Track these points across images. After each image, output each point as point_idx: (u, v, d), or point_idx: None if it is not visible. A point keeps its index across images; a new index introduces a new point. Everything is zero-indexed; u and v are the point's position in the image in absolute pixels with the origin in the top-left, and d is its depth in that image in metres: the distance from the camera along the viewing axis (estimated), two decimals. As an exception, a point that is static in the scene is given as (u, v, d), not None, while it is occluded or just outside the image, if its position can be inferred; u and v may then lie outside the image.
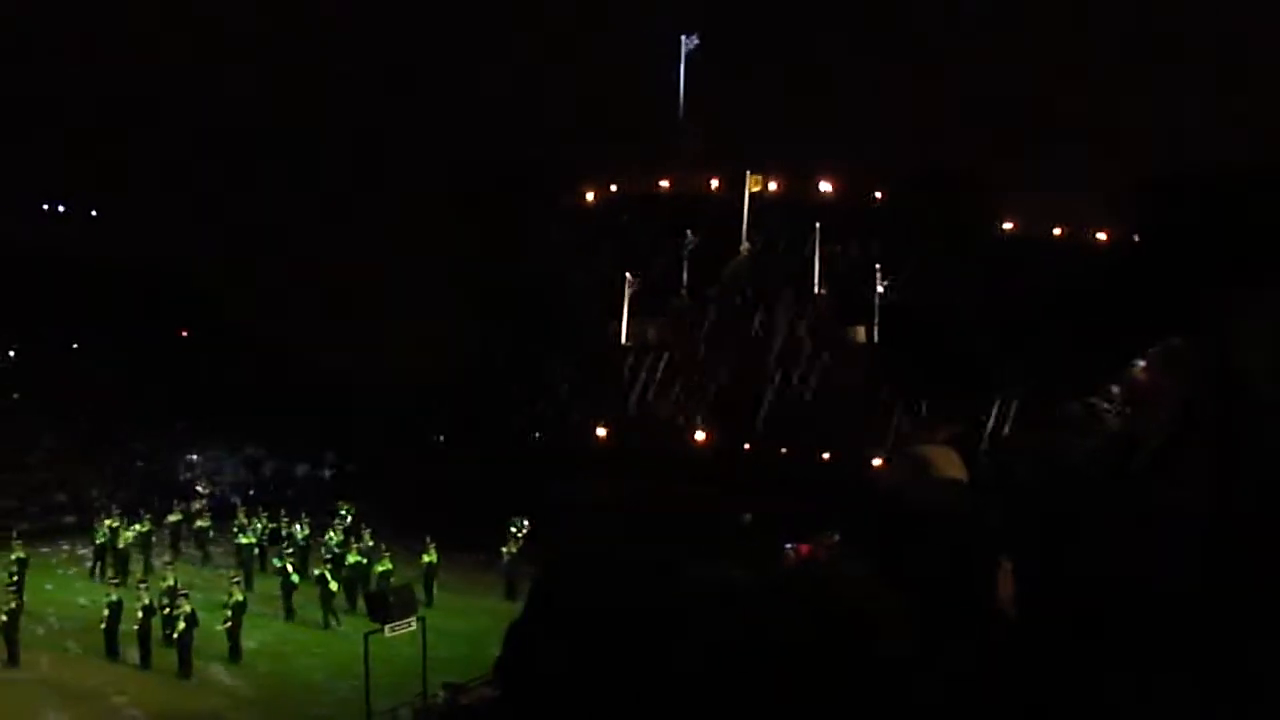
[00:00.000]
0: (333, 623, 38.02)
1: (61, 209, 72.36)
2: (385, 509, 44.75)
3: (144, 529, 44.19)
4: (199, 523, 46.16)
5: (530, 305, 61.61)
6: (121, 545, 42.85)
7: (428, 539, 41.01)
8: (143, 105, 65.48)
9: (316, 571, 39.38)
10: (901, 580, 2.94)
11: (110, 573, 40.85)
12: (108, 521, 43.99)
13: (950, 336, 50.98)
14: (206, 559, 44.55)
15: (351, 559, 40.13)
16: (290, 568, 39.58)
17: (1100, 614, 3.33)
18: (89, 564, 44.11)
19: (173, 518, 45.80)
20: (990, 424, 47.33)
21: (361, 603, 38.32)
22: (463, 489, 47.61)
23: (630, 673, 2.89)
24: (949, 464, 3.70)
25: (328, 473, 55.53)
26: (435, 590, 40.12)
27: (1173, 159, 51.61)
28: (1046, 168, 56.66)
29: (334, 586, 38.67)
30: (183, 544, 45.76)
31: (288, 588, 38.81)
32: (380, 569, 39.53)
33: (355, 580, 39.70)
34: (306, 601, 38.62)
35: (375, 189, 64.70)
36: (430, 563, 40.72)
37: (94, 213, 72.31)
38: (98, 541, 43.40)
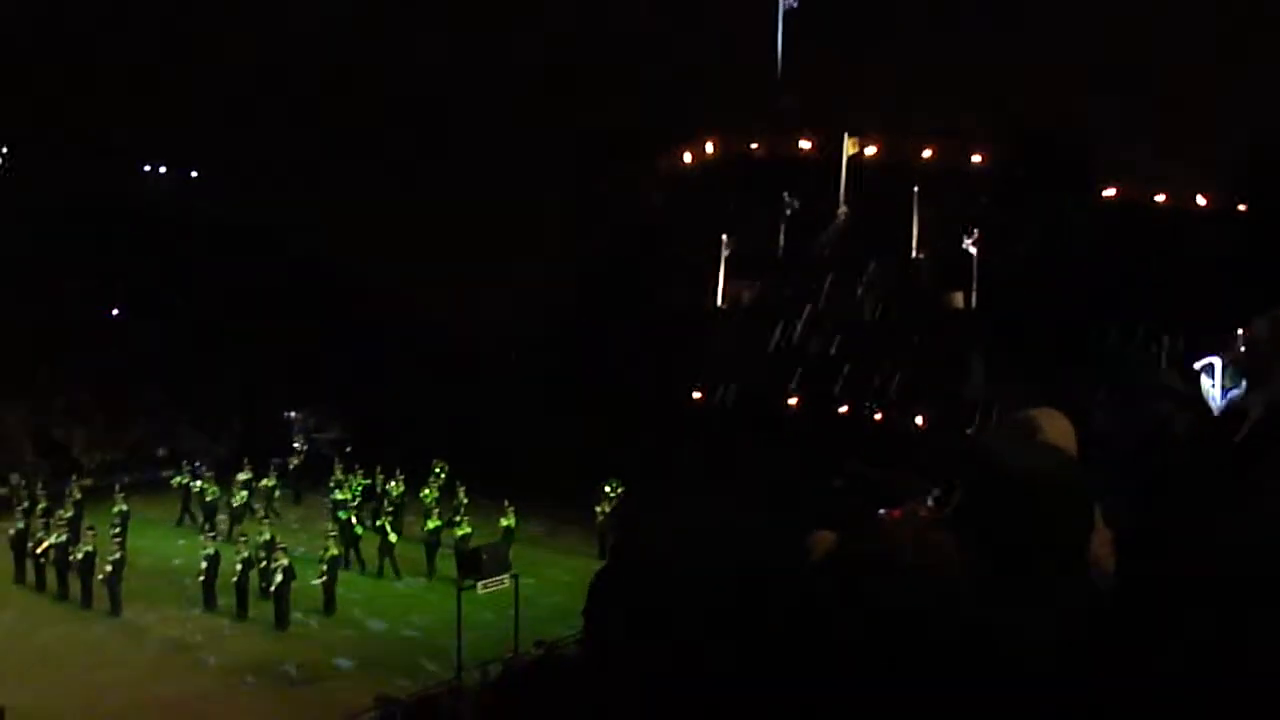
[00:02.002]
0: (391, 575, 39.03)
1: (163, 169, 73.36)
2: (480, 468, 44.91)
3: (239, 484, 44.82)
4: (264, 481, 46.44)
5: (627, 267, 61.54)
6: (236, 502, 43.75)
7: (505, 502, 41.13)
8: (251, 70, 66.05)
9: (378, 523, 39.83)
10: (989, 546, 2.88)
11: (208, 526, 41.65)
12: (203, 477, 45.03)
13: (1050, 303, 50.27)
14: (270, 514, 44.49)
15: (432, 524, 40.05)
16: (354, 519, 40.14)
17: (1200, 584, 3.23)
18: (190, 517, 44.99)
19: (242, 475, 45.77)
20: (1089, 392, 46.62)
21: (441, 563, 38.75)
22: (558, 449, 47.69)
23: (706, 630, 2.87)
24: (1057, 430, 3.58)
25: (421, 431, 55.85)
26: (512, 553, 40.06)
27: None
28: (1151, 132, 55.52)
29: (393, 538, 39.14)
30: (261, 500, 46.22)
31: (350, 539, 39.25)
32: (460, 533, 39.53)
33: (434, 543, 39.76)
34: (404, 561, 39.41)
35: (487, 153, 64.64)
36: (508, 526, 40.74)
37: (194, 174, 73.27)
38: (207, 500, 44.14)
